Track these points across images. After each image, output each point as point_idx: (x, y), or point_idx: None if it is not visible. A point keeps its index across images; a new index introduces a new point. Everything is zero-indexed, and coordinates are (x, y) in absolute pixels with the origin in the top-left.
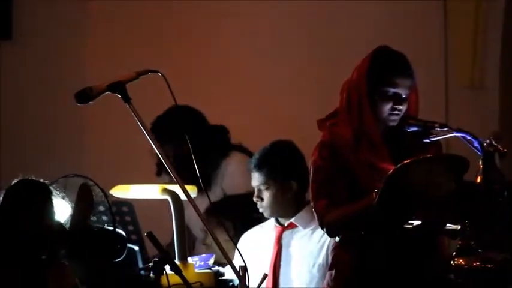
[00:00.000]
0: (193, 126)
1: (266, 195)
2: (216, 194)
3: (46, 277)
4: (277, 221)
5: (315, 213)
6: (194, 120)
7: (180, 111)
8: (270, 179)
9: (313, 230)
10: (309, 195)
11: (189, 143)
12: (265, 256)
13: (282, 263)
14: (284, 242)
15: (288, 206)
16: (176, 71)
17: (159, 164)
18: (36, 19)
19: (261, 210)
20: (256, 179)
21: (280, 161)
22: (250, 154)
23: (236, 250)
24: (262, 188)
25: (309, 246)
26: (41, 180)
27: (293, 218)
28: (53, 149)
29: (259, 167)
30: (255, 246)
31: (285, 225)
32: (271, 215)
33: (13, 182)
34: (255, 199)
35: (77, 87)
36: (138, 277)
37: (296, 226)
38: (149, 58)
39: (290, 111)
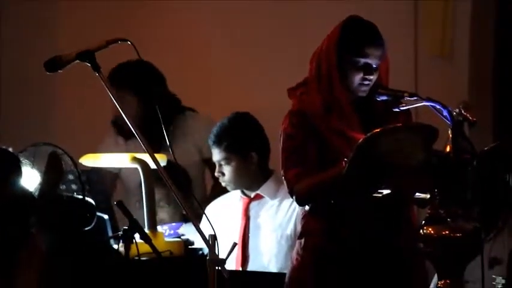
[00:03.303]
0: (155, 80)
1: (228, 169)
2: (190, 152)
3: (16, 246)
4: (243, 192)
5: (285, 182)
6: (157, 75)
7: (143, 65)
8: (230, 153)
9: (281, 201)
10: (280, 164)
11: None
12: (232, 226)
13: (251, 234)
14: (252, 213)
15: (251, 178)
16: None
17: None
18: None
19: (223, 184)
20: (216, 154)
21: (238, 134)
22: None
23: (204, 219)
24: (223, 162)
25: (277, 218)
26: (10, 148)
27: (259, 189)
28: (22, 118)
29: (218, 142)
30: (222, 216)
31: (252, 196)
32: (236, 188)
33: None
34: (216, 174)
35: (49, 54)
36: (106, 246)
37: (263, 197)
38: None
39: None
